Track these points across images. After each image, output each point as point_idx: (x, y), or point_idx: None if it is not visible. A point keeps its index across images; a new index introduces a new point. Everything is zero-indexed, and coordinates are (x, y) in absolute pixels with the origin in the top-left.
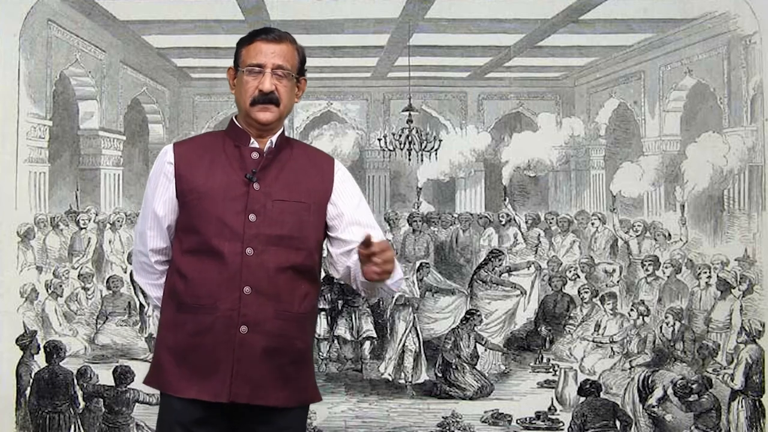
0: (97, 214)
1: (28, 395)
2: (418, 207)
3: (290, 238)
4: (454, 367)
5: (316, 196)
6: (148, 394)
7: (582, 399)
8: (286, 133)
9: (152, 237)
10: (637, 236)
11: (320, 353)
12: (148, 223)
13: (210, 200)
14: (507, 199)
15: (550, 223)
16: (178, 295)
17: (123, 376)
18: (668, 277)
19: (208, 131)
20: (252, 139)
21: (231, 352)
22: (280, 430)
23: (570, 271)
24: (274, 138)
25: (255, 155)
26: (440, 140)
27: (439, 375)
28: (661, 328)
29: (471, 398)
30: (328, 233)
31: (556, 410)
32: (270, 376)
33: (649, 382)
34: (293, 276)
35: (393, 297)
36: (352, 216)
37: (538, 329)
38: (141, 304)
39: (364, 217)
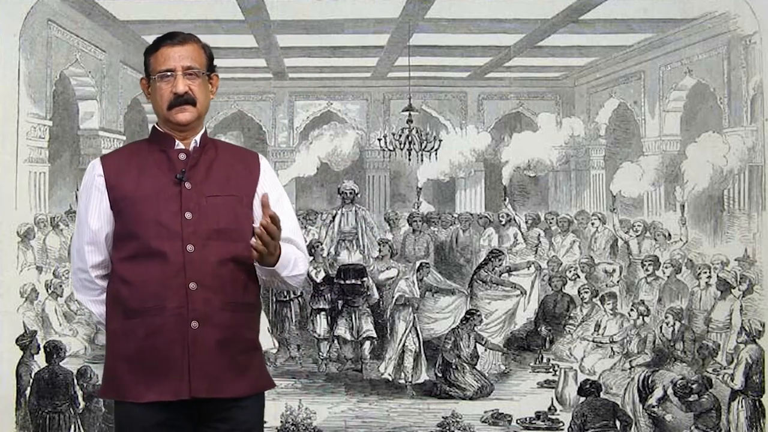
0: None
1: (28, 395)
2: (418, 207)
3: (227, 231)
4: (454, 367)
5: (246, 189)
6: None
7: (582, 399)
8: (286, 134)
9: (90, 252)
10: (637, 236)
11: (320, 353)
12: (85, 238)
13: (144, 204)
14: (507, 199)
15: (550, 223)
16: (123, 301)
17: None
18: (668, 277)
19: (133, 141)
20: (177, 142)
21: (185, 348)
22: (239, 425)
23: (570, 271)
24: (197, 137)
25: (182, 156)
26: (440, 140)
27: (439, 375)
28: (661, 328)
29: (471, 398)
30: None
31: (556, 410)
32: (225, 368)
33: (649, 382)
34: (234, 268)
35: (393, 297)
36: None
37: (538, 329)
38: None
39: (282, 213)
